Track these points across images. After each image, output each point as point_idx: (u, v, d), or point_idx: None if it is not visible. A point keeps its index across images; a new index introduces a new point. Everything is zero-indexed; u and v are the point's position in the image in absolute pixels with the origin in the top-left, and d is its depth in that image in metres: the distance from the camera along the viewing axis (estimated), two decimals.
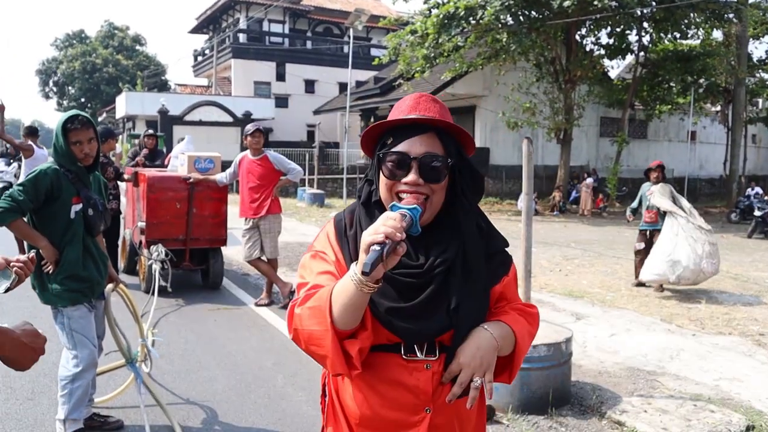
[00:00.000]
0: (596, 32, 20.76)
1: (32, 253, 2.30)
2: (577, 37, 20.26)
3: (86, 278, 3.32)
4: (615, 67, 29.81)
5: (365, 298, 1.32)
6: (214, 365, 4.77)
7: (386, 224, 1.26)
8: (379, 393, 1.46)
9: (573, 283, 8.23)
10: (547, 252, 11.07)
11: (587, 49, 21.20)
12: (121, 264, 7.93)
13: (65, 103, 51.71)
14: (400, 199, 1.43)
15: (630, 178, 24.74)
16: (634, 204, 8.38)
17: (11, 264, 1.76)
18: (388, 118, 1.50)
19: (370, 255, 1.23)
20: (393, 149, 1.44)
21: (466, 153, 1.52)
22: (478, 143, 24.13)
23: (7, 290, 1.74)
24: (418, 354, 1.44)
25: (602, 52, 21.46)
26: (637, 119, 27.06)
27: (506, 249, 1.59)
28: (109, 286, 3.60)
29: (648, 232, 7.89)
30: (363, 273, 1.24)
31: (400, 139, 1.45)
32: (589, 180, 21.13)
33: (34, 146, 7.64)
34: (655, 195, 7.54)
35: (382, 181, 1.47)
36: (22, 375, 4.45)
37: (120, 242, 7.77)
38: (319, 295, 1.38)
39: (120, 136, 30.66)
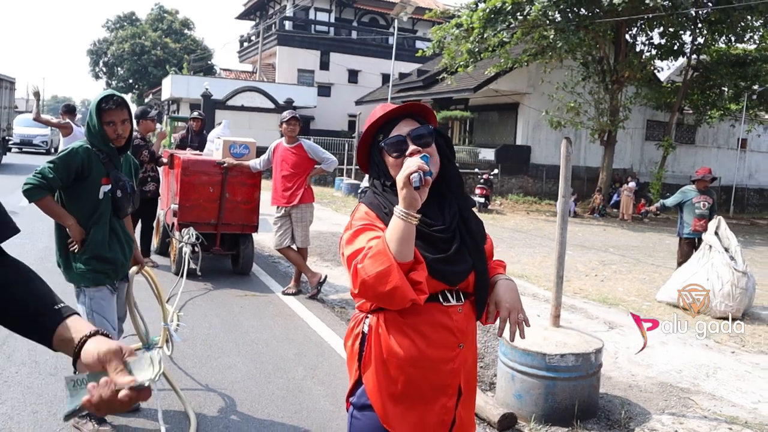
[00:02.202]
0: (648, 32, 20.15)
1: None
2: (627, 37, 19.70)
3: (111, 260, 3.30)
4: (665, 69, 28.87)
5: (412, 229, 1.63)
6: (235, 352, 4.74)
7: (413, 163, 1.62)
8: (425, 335, 1.78)
9: (608, 290, 8.00)
10: (583, 256, 10.80)
11: (637, 49, 20.60)
12: (154, 244, 8.02)
13: (114, 83, 52.80)
14: None
15: (675, 184, 23.96)
16: (670, 202, 8.13)
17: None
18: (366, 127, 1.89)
19: (414, 177, 1.58)
20: (388, 137, 1.81)
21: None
22: (519, 141, 23.79)
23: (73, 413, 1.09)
24: (452, 300, 1.80)
25: (653, 52, 20.82)
26: (685, 124, 26.21)
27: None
28: (134, 268, 3.58)
29: (696, 240, 7.69)
30: (415, 188, 1.59)
31: (388, 132, 1.82)
32: (632, 184, 20.57)
33: (72, 124, 7.71)
34: (709, 233, 7.35)
35: (390, 163, 1.82)
36: (46, 350, 4.48)
37: (155, 223, 7.85)
38: (375, 244, 1.66)
39: (165, 118, 31.14)
